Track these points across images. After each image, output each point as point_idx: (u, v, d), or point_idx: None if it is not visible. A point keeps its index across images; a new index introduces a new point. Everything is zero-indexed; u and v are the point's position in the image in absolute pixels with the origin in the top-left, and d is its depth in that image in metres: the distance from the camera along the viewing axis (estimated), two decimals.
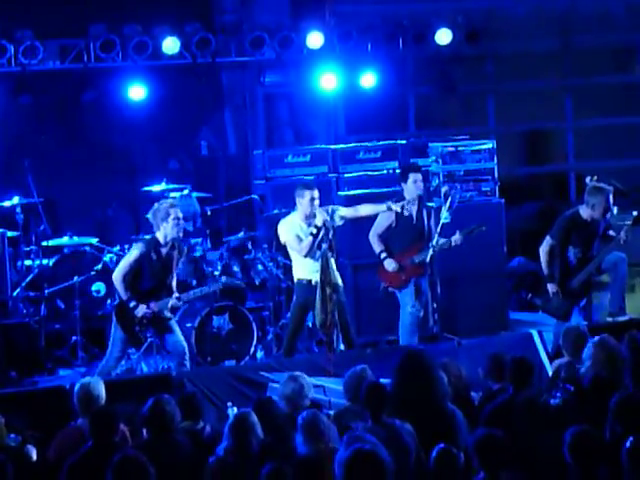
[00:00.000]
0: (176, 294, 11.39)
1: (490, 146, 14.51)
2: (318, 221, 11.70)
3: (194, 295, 11.68)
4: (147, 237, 11.56)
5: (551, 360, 10.98)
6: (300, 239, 11.81)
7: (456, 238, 12.18)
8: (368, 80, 15.07)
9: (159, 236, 11.32)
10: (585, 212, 12.40)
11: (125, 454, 7.10)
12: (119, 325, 11.28)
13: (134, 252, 11.31)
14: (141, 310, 11.25)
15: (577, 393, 8.96)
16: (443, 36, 14.91)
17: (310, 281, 11.93)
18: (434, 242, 12.35)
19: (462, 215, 13.06)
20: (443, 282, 12.83)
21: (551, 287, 12.35)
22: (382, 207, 12.00)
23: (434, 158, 14.34)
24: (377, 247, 12.46)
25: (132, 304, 11.24)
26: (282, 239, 12.05)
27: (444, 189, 13.61)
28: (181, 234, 11.40)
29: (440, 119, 16.76)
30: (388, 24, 15.09)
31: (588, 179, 16.31)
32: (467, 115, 16.82)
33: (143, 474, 6.93)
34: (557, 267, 12.42)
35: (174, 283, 11.52)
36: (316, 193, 11.86)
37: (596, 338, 9.49)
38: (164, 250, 11.34)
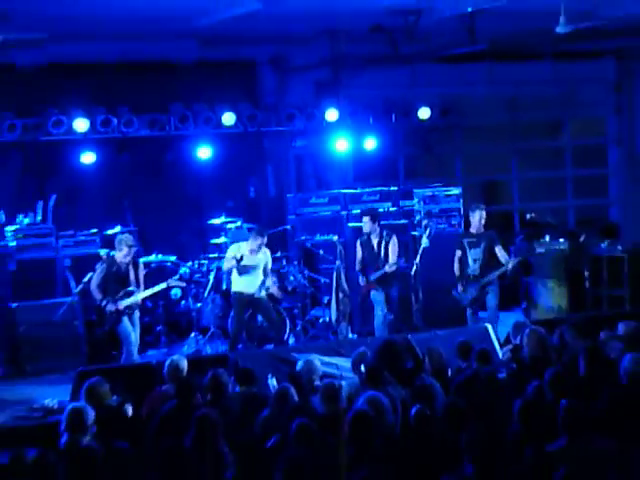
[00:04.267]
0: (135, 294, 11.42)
1: (457, 192, 14.56)
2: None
3: (145, 293, 11.61)
4: (111, 254, 11.68)
5: (502, 346, 10.98)
6: (234, 259, 11.86)
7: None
8: (370, 144, 15.12)
9: (117, 256, 11.42)
10: (472, 227, 12.51)
11: (203, 412, 7.10)
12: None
13: (100, 268, 11.43)
14: (110, 307, 11.27)
15: (518, 369, 9.01)
16: (424, 112, 14.95)
17: (237, 293, 11.99)
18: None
19: (437, 241, 13.11)
20: (424, 290, 12.85)
21: (459, 285, 12.41)
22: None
23: (417, 200, 14.41)
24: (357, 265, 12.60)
25: (104, 303, 11.29)
26: (227, 255, 12.10)
27: (424, 222, 13.67)
28: (127, 259, 11.38)
29: (422, 172, 16.78)
30: (384, 103, 15.14)
31: (528, 215, 16.36)
32: (441, 169, 16.84)
33: (216, 425, 6.97)
34: (462, 270, 12.44)
35: (140, 288, 11.50)
36: (265, 240, 11.95)
37: (528, 329, 9.46)
38: (122, 265, 11.41)
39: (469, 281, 12.30)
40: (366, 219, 12.47)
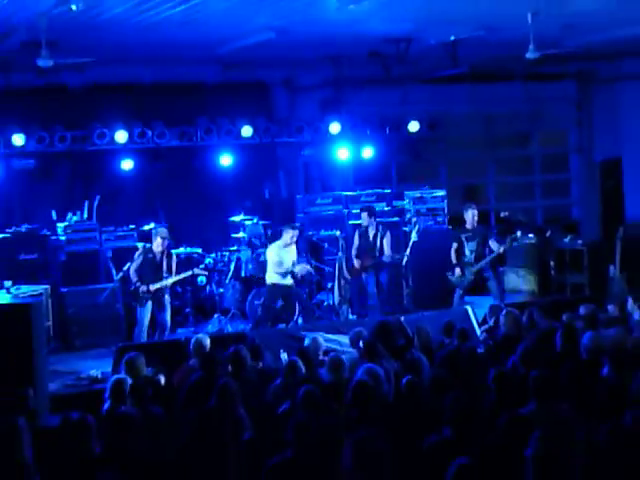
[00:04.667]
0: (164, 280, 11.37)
1: (442, 193, 14.57)
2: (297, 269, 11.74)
3: (174, 279, 11.50)
4: (148, 246, 11.65)
5: (479, 325, 10.96)
6: (280, 263, 11.70)
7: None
8: (367, 152, 15.08)
9: (153, 246, 11.39)
10: (467, 223, 12.45)
11: (223, 382, 7.09)
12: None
13: (139, 255, 11.38)
14: (142, 288, 11.22)
15: (494, 345, 8.98)
16: (413, 126, 14.91)
17: (276, 284, 11.82)
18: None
19: (424, 236, 13.10)
20: (413, 278, 12.83)
21: (457, 271, 12.35)
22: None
23: (408, 200, 14.40)
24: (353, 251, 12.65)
25: (138, 284, 11.23)
26: (268, 258, 11.93)
27: (414, 220, 13.69)
28: (160, 248, 11.33)
29: (412, 176, 16.75)
30: (380, 118, 15.11)
31: (502, 214, 16.28)
32: (428, 174, 16.82)
33: (235, 394, 6.94)
34: (459, 259, 12.43)
35: (172, 275, 11.41)
36: (297, 233, 11.91)
37: (505, 310, 9.47)
38: (157, 254, 11.36)
39: (466, 267, 12.30)
40: (364, 214, 12.56)
